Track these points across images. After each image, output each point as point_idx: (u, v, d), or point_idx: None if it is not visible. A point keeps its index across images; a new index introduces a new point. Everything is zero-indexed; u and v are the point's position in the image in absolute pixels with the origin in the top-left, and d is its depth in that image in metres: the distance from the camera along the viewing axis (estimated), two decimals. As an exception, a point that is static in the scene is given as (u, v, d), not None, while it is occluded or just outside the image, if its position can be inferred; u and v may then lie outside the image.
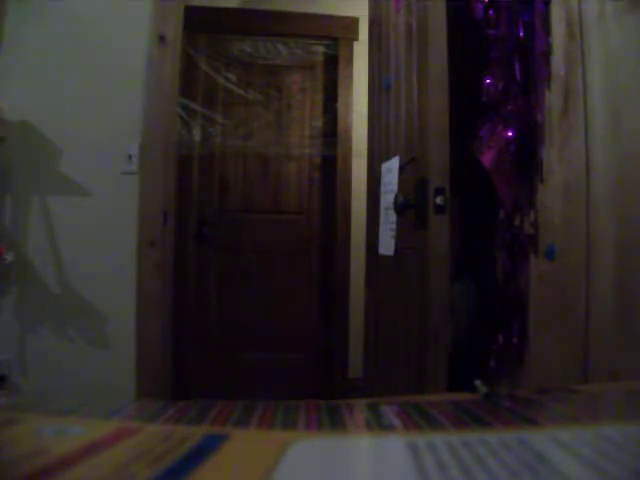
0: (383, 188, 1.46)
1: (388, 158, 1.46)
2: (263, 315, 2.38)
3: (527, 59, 0.99)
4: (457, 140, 1.14)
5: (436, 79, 1.14)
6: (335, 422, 0.27)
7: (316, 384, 2.38)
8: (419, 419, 0.27)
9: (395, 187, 1.33)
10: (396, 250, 1.33)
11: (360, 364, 1.90)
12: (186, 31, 1.96)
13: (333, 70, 2.47)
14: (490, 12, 1.07)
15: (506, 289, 1.08)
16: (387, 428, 0.26)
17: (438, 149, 1.13)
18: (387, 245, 1.40)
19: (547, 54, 0.94)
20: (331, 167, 2.45)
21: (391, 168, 1.40)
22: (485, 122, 1.09)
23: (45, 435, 0.24)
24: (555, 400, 0.34)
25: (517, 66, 1.00)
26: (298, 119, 2.46)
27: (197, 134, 2.37)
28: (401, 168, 1.34)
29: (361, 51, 2.31)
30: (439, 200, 1.10)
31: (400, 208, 1.22)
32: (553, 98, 0.93)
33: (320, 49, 2.50)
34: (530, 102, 0.98)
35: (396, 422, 0.27)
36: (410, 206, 1.20)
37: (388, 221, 1.38)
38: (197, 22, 2.23)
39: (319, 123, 2.48)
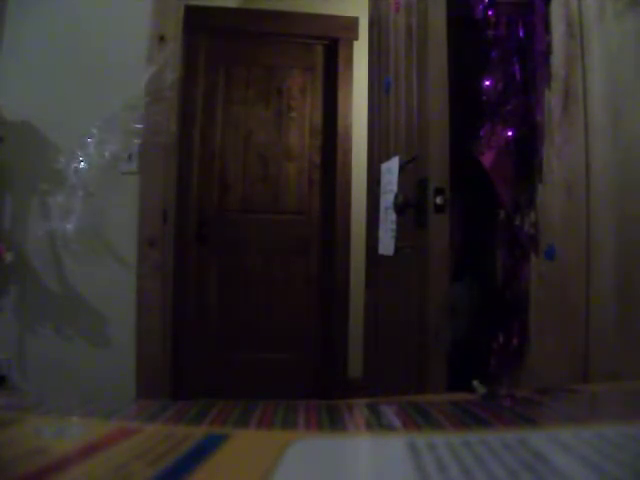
0: (383, 188, 1.46)
1: (388, 158, 1.46)
2: (263, 315, 2.38)
3: (527, 59, 0.99)
4: (457, 140, 1.14)
5: (436, 79, 1.14)
6: (335, 422, 0.27)
7: (316, 384, 2.38)
8: (419, 419, 0.27)
9: (395, 187, 1.33)
10: (396, 250, 1.33)
11: (360, 364, 1.90)
12: (186, 31, 1.96)
13: (333, 70, 2.47)
14: (490, 12, 1.07)
15: (506, 289, 1.08)
16: (387, 428, 0.26)
17: (438, 149, 1.13)
18: (387, 245, 1.40)
19: (547, 54, 0.94)
20: (331, 167, 2.44)
21: (391, 168, 1.40)
22: (485, 122, 1.08)
23: (45, 435, 0.24)
24: (555, 400, 0.34)
25: (517, 66, 1.00)
26: (298, 119, 2.46)
27: (197, 134, 2.37)
28: (401, 168, 1.34)
29: (361, 51, 2.31)
30: (439, 200, 1.10)
31: (400, 208, 1.22)
32: (553, 98, 0.93)
33: (320, 49, 2.50)
34: (530, 102, 0.98)
35: (396, 422, 0.27)
36: (410, 206, 1.20)
37: (388, 221, 1.38)
38: (197, 22, 2.23)
39: (319, 123, 2.48)
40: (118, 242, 1.66)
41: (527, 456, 0.20)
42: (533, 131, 0.97)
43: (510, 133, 1.01)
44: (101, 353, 1.64)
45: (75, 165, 1.67)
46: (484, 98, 1.08)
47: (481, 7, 1.09)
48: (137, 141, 1.66)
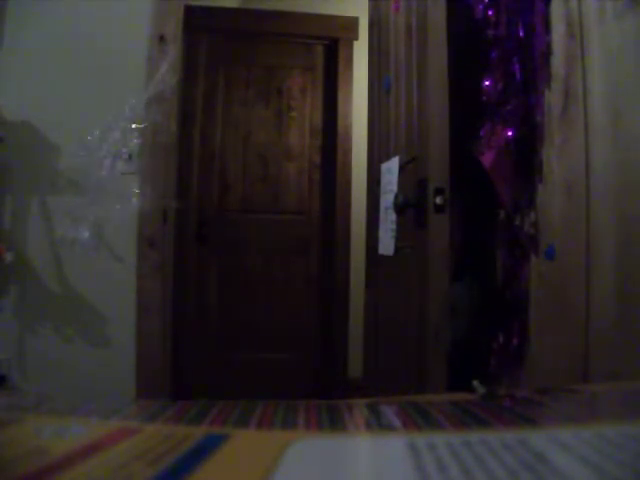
0: (383, 188, 1.46)
1: (388, 158, 1.46)
2: (263, 315, 2.38)
3: (527, 59, 0.99)
4: (457, 140, 1.14)
5: (436, 79, 1.14)
6: (335, 422, 0.27)
7: (316, 384, 2.38)
8: (419, 419, 0.26)
9: (395, 187, 1.33)
10: (396, 250, 1.33)
11: (360, 364, 1.90)
12: (186, 31, 1.96)
13: (333, 70, 2.47)
14: (490, 12, 1.07)
15: (506, 289, 1.08)
16: (387, 428, 0.26)
17: (438, 149, 1.13)
18: (387, 245, 1.40)
19: (547, 54, 0.94)
20: (331, 167, 2.44)
21: (391, 168, 1.40)
22: (485, 122, 1.08)
23: (45, 435, 0.24)
24: (555, 400, 0.34)
25: (517, 66, 1.00)
26: (298, 119, 2.46)
27: (197, 134, 2.37)
28: (401, 168, 1.34)
29: (361, 51, 2.31)
30: (439, 200, 1.10)
31: (400, 208, 1.22)
32: (553, 98, 0.93)
33: (320, 49, 2.50)
34: (530, 102, 0.98)
35: (396, 422, 0.27)
36: (410, 206, 1.20)
37: (388, 221, 1.38)
38: (197, 22, 2.23)
39: (319, 123, 2.48)
40: (118, 242, 1.66)
41: (527, 456, 0.20)
42: (533, 131, 0.97)
43: (510, 133, 1.01)
44: (101, 353, 1.64)
45: (75, 165, 1.67)
46: (484, 98, 1.08)
47: (481, 7, 1.09)
48: (137, 141, 1.66)
